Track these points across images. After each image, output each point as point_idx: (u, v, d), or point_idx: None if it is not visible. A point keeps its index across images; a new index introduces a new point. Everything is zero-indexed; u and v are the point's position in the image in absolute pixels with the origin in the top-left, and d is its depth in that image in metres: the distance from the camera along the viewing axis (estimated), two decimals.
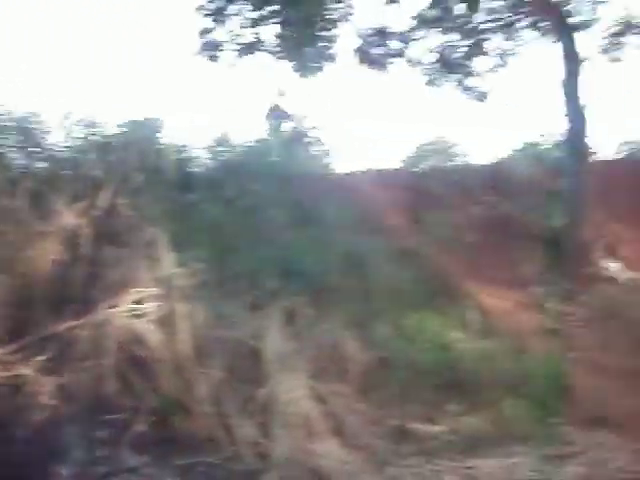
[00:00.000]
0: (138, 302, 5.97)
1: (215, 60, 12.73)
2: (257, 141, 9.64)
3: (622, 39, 16.32)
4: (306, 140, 11.81)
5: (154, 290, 6.10)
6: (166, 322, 6.00)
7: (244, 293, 6.88)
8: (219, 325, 6.27)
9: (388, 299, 7.37)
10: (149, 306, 5.99)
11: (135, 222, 6.75)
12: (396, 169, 12.73)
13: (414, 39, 15.53)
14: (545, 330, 7.75)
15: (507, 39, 15.89)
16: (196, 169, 9.04)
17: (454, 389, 6.24)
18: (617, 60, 16.74)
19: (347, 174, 11.77)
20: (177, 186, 8.16)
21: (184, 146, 9.38)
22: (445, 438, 5.76)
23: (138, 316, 5.88)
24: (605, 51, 16.56)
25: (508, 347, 6.95)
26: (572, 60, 10.38)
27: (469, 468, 5.35)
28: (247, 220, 7.99)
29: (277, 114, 11.91)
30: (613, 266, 9.53)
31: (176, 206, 7.91)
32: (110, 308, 5.84)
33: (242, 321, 6.42)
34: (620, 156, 15.03)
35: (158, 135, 8.67)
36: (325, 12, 13.69)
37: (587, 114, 9.93)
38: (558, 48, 10.84)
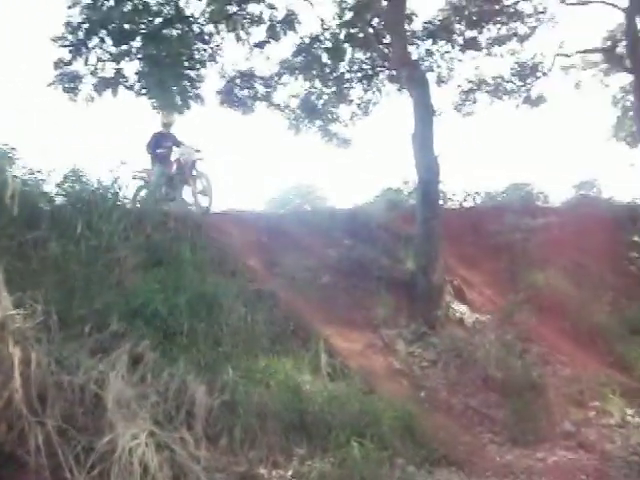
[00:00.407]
0: None
1: (71, 92, 12.33)
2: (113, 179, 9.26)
3: (474, 95, 17.58)
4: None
5: None
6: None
7: (88, 336, 6.54)
8: (59, 370, 5.91)
9: (239, 342, 7.27)
10: None
11: None
12: (257, 211, 12.76)
13: (279, 84, 15.91)
14: (394, 371, 7.93)
15: (368, 89, 16.64)
16: (44, 205, 8.53)
17: (302, 432, 6.20)
18: (469, 114, 17.99)
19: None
20: (20, 222, 7.69)
21: (32, 180, 8.86)
22: None
23: None
24: (459, 106, 17.75)
25: (357, 389, 7.03)
26: (426, 112, 10.88)
27: None
28: (95, 260, 7.65)
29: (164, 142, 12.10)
30: (461, 309, 9.94)
31: (17, 243, 7.45)
32: None
33: (84, 366, 6.07)
34: (470, 204, 15.95)
35: (1, 167, 8.11)
36: (190, 52, 13.70)
37: (439, 164, 10.38)
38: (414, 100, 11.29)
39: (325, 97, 16.46)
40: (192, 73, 13.92)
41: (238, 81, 15.42)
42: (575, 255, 13.20)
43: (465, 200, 16.03)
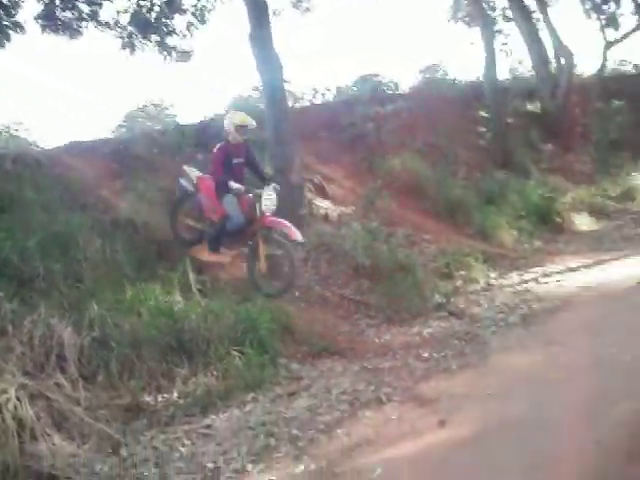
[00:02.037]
0: None
1: None
2: None
3: None
4: None
5: None
6: None
7: None
8: None
9: (101, 276, 6.97)
10: None
11: None
12: (103, 138, 12.04)
13: (104, 0, 14.75)
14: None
15: None
16: None
17: (181, 353, 6.08)
18: (308, 10, 17.63)
19: (49, 151, 10.88)
20: None
21: None
22: (178, 404, 5.61)
23: None
24: (297, 3, 17.34)
25: (231, 300, 6.97)
26: (260, 11, 10.47)
27: (205, 427, 5.28)
28: None
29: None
30: (324, 205, 10.02)
31: None
32: None
33: None
34: (321, 101, 15.89)
35: None
36: None
37: (281, 63, 10.10)
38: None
39: (157, 9, 15.48)
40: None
41: (58, 2, 14.15)
42: (427, 136, 13.60)
43: (315, 97, 15.93)
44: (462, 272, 8.86)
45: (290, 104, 12.93)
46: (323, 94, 16.13)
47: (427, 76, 19.16)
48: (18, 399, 4.91)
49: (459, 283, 8.62)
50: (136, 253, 7.67)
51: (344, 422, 5.10)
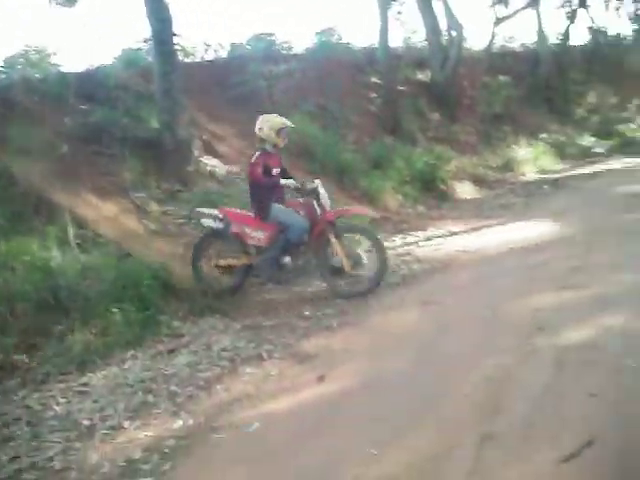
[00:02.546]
0: None
1: None
2: None
3: None
4: None
5: None
6: None
7: None
8: None
9: None
10: None
11: None
12: None
13: None
14: (150, 232, 7.77)
15: None
16: None
17: (58, 309, 5.89)
18: None
19: None
20: None
21: None
22: (54, 361, 5.44)
23: None
24: None
25: (112, 256, 6.80)
26: None
27: (82, 385, 5.16)
28: None
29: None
30: (212, 162, 9.87)
31: None
32: None
33: None
34: (214, 57, 15.56)
35: None
36: None
37: (171, 14, 9.78)
38: None
39: None
40: None
41: None
42: (319, 99, 13.65)
43: (207, 53, 15.58)
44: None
45: (181, 58, 12.60)
46: (216, 50, 15.81)
47: (322, 39, 19.09)
48: None
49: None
50: (11, 205, 7.28)
51: (224, 378, 5.15)
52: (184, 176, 8.60)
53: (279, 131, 7.03)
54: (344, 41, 19.18)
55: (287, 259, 7.01)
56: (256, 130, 7.06)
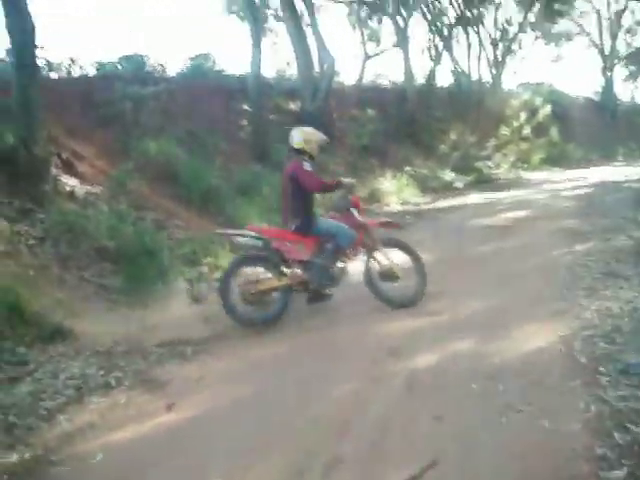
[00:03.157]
0: None
1: None
2: None
3: None
4: None
5: None
6: None
7: None
8: None
9: None
10: None
11: None
12: None
13: None
14: None
15: None
16: None
17: None
18: None
19: None
20: None
21: None
22: None
23: None
24: None
25: None
26: None
27: None
28: None
29: None
30: (71, 182, 9.49)
31: None
32: None
33: None
34: (79, 74, 15.08)
35: None
36: None
37: (34, 25, 9.36)
38: None
39: None
40: None
41: None
42: (188, 123, 13.56)
43: (72, 68, 15.06)
44: (209, 259, 8.93)
45: (44, 73, 12.12)
46: (81, 66, 15.32)
47: (196, 63, 19.04)
48: None
49: (205, 269, 8.68)
50: None
51: (68, 408, 4.92)
52: (39, 195, 8.18)
53: (320, 145, 7.03)
54: (218, 67, 19.28)
55: (339, 266, 6.91)
56: (297, 142, 6.91)
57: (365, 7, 27.33)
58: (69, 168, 9.85)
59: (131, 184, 9.90)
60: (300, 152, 6.91)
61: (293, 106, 18.70)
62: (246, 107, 16.34)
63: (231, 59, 42.32)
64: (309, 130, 7.09)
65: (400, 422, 4.35)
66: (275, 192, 12.44)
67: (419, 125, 23.04)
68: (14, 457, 4.19)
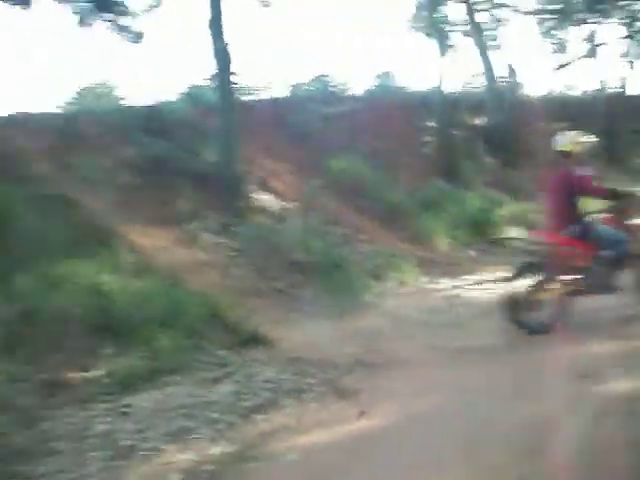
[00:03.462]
0: None
1: None
2: None
3: None
4: None
5: None
6: None
7: None
8: None
9: (32, 249, 6.85)
10: None
11: None
12: (48, 113, 11.81)
13: None
14: (201, 263, 7.93)
15: None
16: None
17: (108, 332, 6.05)
18: (267, 5, 17.61)
19: None
20: None
21: None
22: (100, 382, 5.57)
23: None
24: None
25: (163, 283, 6.96)
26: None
27: (125, 406, 5.25)
28: None
29: None
30: (265, 198, 10.06)
31: None
32: None
33: None
34: (274, 96, 15.94)
35: None
36: None
37: (229, 52, 10.11)
38: None
39: None
40: None
41: None
42: (374, 140, 13.79)
43: (266, 92, 16.01)
44: (394, 274, 9.02)
45: (241, 97, 12.96)
46: (275, 90, 16.22)
47: (380, 82, 19.41)
48: None
49: (390, 284, 8.78)
50: (70, 231, 7.56)
51: (264, 409, 5.14)
52: (237, 210, 8.79)
53: (588, 148, 6.89)
54: (402, 84, 19.51)
55: (618, 273, 6.61)
56: (563, 145, 6.73)
57: (554, 16, 26.25)
58: (263, 185, 10.46)
59: (320, 200, 10.27)
60: (566, 156, 6.66)
61: (478, 121, 18.41)
62: (430, 123, 16.34)
63: (415, 75, 42.41)
64: (574, 133, 6.93)
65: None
66: (460, 208, 12.33)
67: (614, 137, 21.63)
68: (217, 449, 4.49)
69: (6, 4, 13.62)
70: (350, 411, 5.01)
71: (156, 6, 15.58)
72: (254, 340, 6.69)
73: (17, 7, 13.91)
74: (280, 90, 16.56)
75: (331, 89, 16.90)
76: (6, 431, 4.73)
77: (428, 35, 23.28)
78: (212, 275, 7.73)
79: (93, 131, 10.14)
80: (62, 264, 6.66)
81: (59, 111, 14.20)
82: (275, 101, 15.17)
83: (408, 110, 16.67)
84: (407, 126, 15.98)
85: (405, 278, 8.95)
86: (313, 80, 17.62)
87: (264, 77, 19.97)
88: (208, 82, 16.28)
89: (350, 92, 17.61)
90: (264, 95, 16.08)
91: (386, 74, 20.11)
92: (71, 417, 5.06)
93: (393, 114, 15.42)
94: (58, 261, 6.69)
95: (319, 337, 6.95)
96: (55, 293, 6.19)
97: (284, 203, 10.29)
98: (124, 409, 5.21)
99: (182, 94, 16.11)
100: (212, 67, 10.19)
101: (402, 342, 6.73)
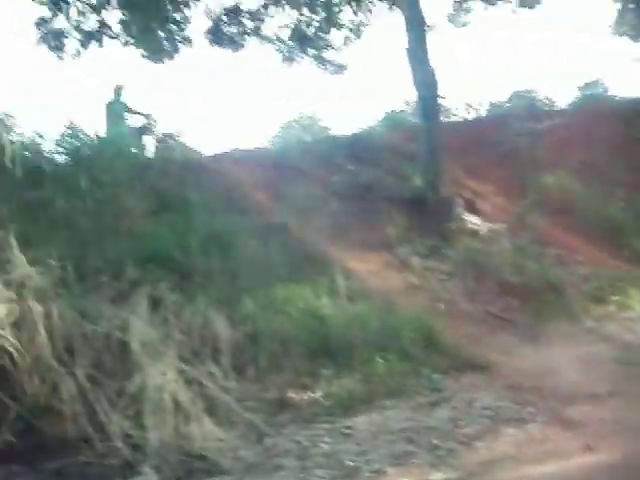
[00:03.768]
0: None
1: (57, 50, 12.16)
2: (107, 133, 9.27)
3: (467, 4, 17.04)
4: (155, 128, 11.25)
5: (5, 293, 5.74)
6: (22, 325, 5.68)
7: (106, 286, 6.62)
8: (82, 321, 6.02)
9: (255, 275, 7.34)
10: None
11: None
12: (260, 148, 12.69)
13: (267, 16, 15.56)
14: (412, 286, 7.99)
15: (358, 11, 16.22)
16: (46, 165, 8.53)
17: (326, 354, 6.31)
18: (464, 25, 17.49)
19: (210, 157, 11.61)
20: (24, 184, 7.71)
21: (31, 142, 8.85)
22: (320, 403, 5.81)
23: None
24: (453, 17, 17.27)
25: (376, 307, 7.11)
26: (418, 26, 10.64)
27: (346, 428, 5.42)
28: (102, 212, 7.68)
29: (117, 108, 10.84)
30: (473, 220, 9.93)
31: (23, 205, 7.47)
32: None
33: (106, 314, 6.18)
34: (474, 115, 15.78)
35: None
36: None
37: (436, 78, 10.20)
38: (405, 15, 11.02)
39: (315, 24, 16.11)
40: (177, 15, 13.68)
41: (225, 18, 15.10)
42: (583, 155, 13.05)
43: (468, 112, 15.88)
44: (616, 297, 8.43)
45: (443, 119, 12.95)
46: (476, 109, 16.05)
47: (586, 92, 18.47)
48: (176, 381, 5.33)
49: (612, 309, 8.22)
50: (287, 256, 7.99)
51: (484, 436, 5.05)
52: (445, 233, 8.78)
53: None
54: (610, 93, 18.39)
55: None
56: None
57: None
58: (470, 206, 10.34)
59: (530, 219, 9.94)
60: None
61: None
62: None
63: (624, 81, 39.75)
64: None
65: None
66: None
67: None
68: (439, 475, 4.46)
69: (217, 47, 14.98)
70: (575, 443, 4.76)
71: (357, 38, 16.23)
72: (470, 365, 6.60)
73: (228, 50, 15.28)
74: (480, 109, 16.29)
75: (533, 104, 16.36)
76: (236, 445, 5.09)
77: (634, 39, 21.74)
78: (423, 299, 7.76)
79: (302, 162, 10.67)
80: (282, 289, 7.05)
81: (269, 144, 15.16)
82: (475, 121, 15.00)
83: (620, 119, 15.60)
84: (620, 137, 14.93)
85: (629, 302, 8.33)
86: (513, 96, 17.21)
87: (462, 97, 19.86)
88: (407, 106, 16.62)
89: (555, 105, 16.91)
90: (464, 114, 15.93)
91: (594, 83, 19.10)
92: (295, 435, 5.33)
93: (605, 125, 14.51)
94: (279, 286, 7.10)
95: (538, 363, 6.69)
96: (277, 316, 6.57)
97: (491, 224, 10.08)
98: (345, 430, 5.38)
99: (382, 120, 16.53)
100: (412, 92, 10.32)
101: (628, 370, 6.26)
